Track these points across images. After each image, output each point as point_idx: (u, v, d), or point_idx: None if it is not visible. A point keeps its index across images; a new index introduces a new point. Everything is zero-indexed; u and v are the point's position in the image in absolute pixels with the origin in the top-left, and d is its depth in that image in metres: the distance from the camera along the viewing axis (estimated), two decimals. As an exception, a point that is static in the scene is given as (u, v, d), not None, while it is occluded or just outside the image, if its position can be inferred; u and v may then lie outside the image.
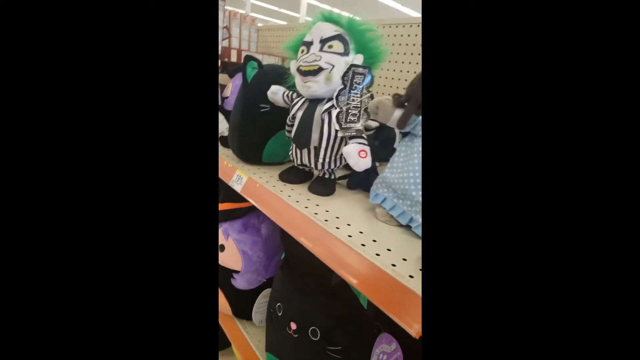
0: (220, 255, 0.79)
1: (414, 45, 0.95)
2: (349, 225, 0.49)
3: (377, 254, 0.41)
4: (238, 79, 0.88)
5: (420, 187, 0.47)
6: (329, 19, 0.54)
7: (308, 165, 0.60)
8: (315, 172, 0.66)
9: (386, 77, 1.04)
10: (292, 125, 0.59)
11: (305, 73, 0.53)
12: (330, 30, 0.52)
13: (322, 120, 0.54)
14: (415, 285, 0.35)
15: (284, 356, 0.65)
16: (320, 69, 0.52)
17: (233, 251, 0.78)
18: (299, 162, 0.61)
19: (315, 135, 0.55)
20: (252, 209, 0.82)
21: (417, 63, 0.95)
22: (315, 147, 0.56)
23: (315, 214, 0.51)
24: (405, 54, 0.97)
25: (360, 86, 0.51)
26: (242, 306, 0.81)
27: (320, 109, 0.54)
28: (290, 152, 0.61)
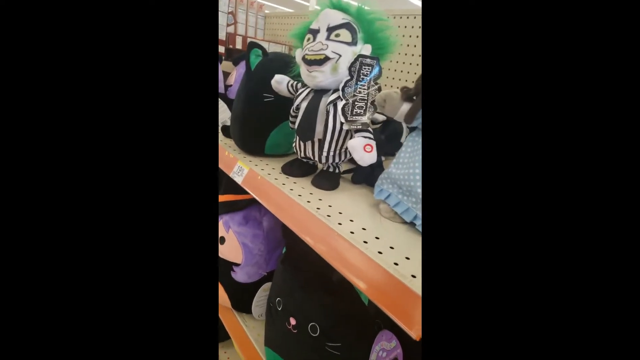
0: (221, 247, 0.79)
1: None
2: (351, 221, 0.47)
3: (380, 252, 0.40)
4: (242, 67, 0.87)
5: (426, 183, 0.45)
6: (337, 6, 0.52)
7: (312, 158, 0.58)
8: (319, 166, 0.64)
9: (395, 70, 1.01)
10: (296, 116, 0.57)
11: (310, 62, 0.51)
12: (338, 18, 0.50)
13: (327, 112, 0.52)
14: (417, 286, 0.34)
15: (283, 351, 0.64)
16: (327, 59, 0.50)
17: (233, 244, 0.77)
18: (302, 154, 0.59)
19: (319, 128, 0.54)
20: (254, 201, 0.80)
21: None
22: (319, 140, 0.55)
23: (318, 208, 0.49)
24: (415, 46, 0.95)
25: (368, 78, 0.49)
26: (242, 299, 0.80)
27: (326, 100, 0.53)
28: (293, 144, 0.60)
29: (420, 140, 0.47)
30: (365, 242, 0.42)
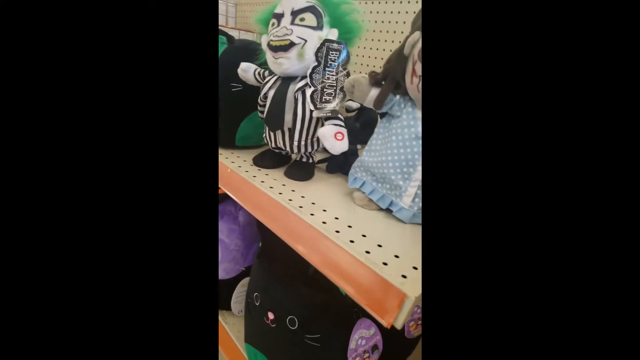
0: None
1: (397, 22, 0.91)
2: (324, 211, 0.46)
3: (352, 241, 0.39)
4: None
5: (399, 170, 0.45)
6: (301, -12, 0.50)
7: (283, 148, 0.57)
8: (293, 156, 0.63)
9: (366, 55, 1.00)
10: (264, 105, 0.55)
11: (275, 48, 0.49)
12: (302, 1, 0.48)
13: (296, 100, 0.51)
14: (388, 273, 0.33)
15: (263, 347, 0.63)
16: (292, 44, 0.48)
17: (209, 239, 0.75)
18: (273, 145, 0.57)
19: (288, 116, 0.52)
20: (229, 195, 0.78)
21: (399, 42, 0.92)
22: (289, 129, 0.53)
23: (290, 200, 0.48)
24: (387, 32, 0.93)
25: (336, 63, 0.47)
26: (221, 296, 0.78)
27: (294, 87, 0.51)
28: (264, 135, 0.58)
29: (391, 126, 0.47)
30: (337, 231, 0.41)
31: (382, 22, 0.93)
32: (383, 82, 0.46)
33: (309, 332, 0.56)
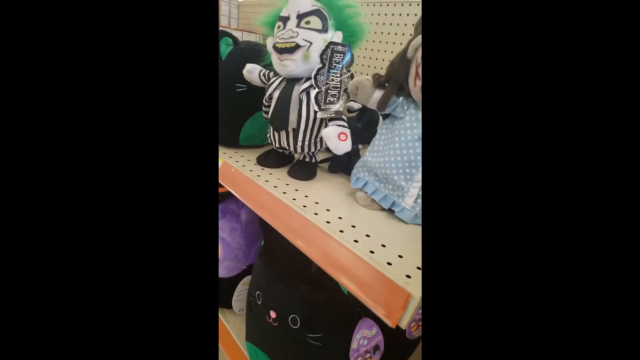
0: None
1: (397, 24, 0.92)
2: (328, 210, 0.47)
3: (356, 241, 0.40)
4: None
5: (402, 170, 0.45)
6: (307, -8, 0.51)
7: (287, 148, 0.57)
8: (296, 156, 0.64)
9: (370, 57, 1.01)
10: (269, 106, 0.56)
11: (281, 50, 0.49)
12: (307, 4, 0.49)
13: (300, 101, 0.51)
14: (393, 273, 0.34)
15: (264, 346, 0.63)
16: (297, 46, 0.48)
17: (211, 238, 0.76)
18: (277, 144, 0.58)
19: (293, 117, 0.53)
20: (231, 194, 0.79)
21: (400, 43, 0.92)
22: (293, 129, 0.54)
23: (294, 199, 0.49)
24: (389, 33, 0.94)
25: (340, 65, 0.48)
26: (222, 294, 0.79)
27: (298, 88, 0.51)
28: (268, 135, 0.59)
29: (394, 127, 0.47)
30: (341, 231, 0.41)
31: (384, 24, 0.94)
32: (386, 84, 0.47)
33: (311, 331, 0.57)
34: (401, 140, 0.45)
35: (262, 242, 0.70)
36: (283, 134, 0.55)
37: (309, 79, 0.50)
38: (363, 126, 0.73)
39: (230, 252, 0.76)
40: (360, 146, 0.69)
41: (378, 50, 0.98)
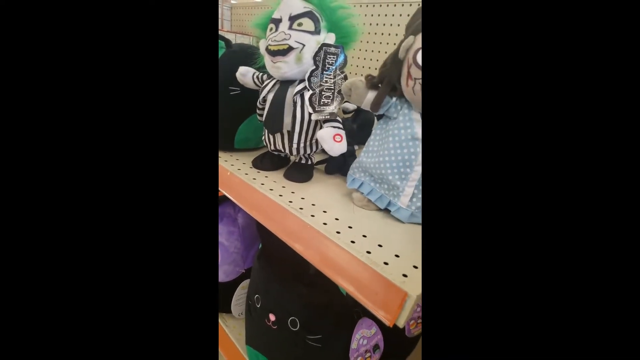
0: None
1: (390, 25, 0.92)
2: (325, 212, 0.47)
3: (352, 241, 0.40)
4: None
5: (396, 170, 0.45)
6: (299, -6, 0.51)
7: (282, 150, 0.57)
8: (292, 158, 0.64)
9: (364, 58, 1.01)
10: (263, 109, 0.56)
11: (274, 53, 0.49)
12: (299, 6, 0.49)
13: (295, 103, 0.51)
14: (390, 273, 0.34)
15: (264, 349, 0.63)
16: (290, 49, 0.48)
17: (209, 242, 0.75)
18: (272, 147, 0.58)
19: (287, 119, 0.53)
20: (227, 197, 0.79)
21: (394, 44, 0.93)
22: (288, 132, 0.54)
23: (290, 202, 0.49)
24: (382, 34, 0.94)
25: (333, 67, 0.48)
26: (221, 299, 0.78)
27: (292, 90, 0.51)
28: (263, 137, 0.59)
29: (388, 127, 0.47)
30: (338, 232, 0.41)
31: (378, 25, 0.95)
32: (379, 85, 0.47)
33: (311, 332, 0.57)
34: (395, 140, 0.45)
35: (260, 246, 0.70)
36: (278, 136, 0.55)
37: (302, 81, 0.50)
38: (358, 127, 0.74)
39: (227, 256, 0.76)
40: (356, 147, 0.69)
41: (372, 51, 0.98)
